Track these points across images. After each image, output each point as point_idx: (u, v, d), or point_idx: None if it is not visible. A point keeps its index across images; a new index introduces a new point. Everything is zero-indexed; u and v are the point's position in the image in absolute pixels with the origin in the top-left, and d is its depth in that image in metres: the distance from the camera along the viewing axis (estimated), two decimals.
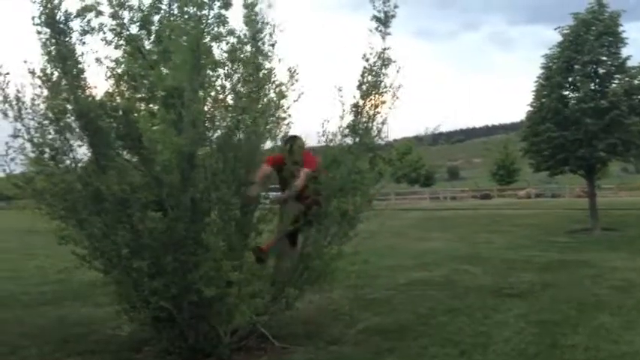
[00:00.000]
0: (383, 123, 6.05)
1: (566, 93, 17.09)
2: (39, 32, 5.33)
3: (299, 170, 5.92)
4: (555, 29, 17.45)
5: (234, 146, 5.59)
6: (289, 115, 6.07)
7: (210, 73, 5.56)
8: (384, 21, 5.89)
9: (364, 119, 6.00)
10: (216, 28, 5.67)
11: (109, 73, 5.59)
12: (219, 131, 5.64)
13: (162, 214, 5.18)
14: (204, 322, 5.44)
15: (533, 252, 12.77)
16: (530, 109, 17.73)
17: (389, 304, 7.70)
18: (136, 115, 5.48)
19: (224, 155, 5.45)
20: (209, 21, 5.63)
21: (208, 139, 5.50)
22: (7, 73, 5.35)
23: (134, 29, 5.63)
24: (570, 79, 16.91)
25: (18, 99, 5.36)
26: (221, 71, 5.70)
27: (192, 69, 5.05)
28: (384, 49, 5.92)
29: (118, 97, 5.58)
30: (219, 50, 5.75)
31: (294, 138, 6.15)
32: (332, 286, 6.65)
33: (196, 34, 5.14)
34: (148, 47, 5.70)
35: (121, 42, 5.55)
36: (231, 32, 5.75)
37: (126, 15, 5.55)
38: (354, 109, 5.97)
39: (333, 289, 7.23)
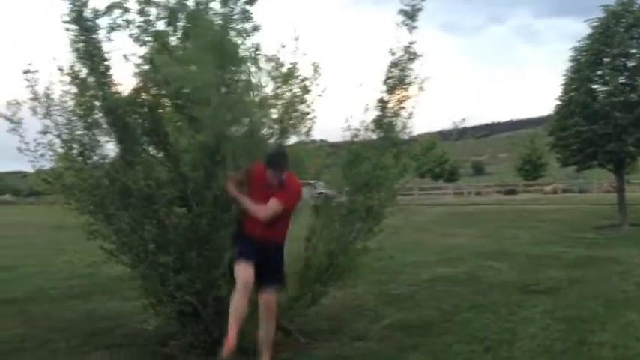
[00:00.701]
0: (408, 118, 6.02)
1: (595, 86, 16.83)
2: (67, 30, 5.40)
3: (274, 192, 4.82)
4: (585, 21, 17.22)
5: (259, 142, 5.60)
6: (313, 110, 6.07)
7: (234, 68, 5.58)
8: (410, 14, 5.84)
9: (389, 114, 5.97)
10: (240, 24, 5.69)
11: (135, 70, 5.63)
12: (243, 127, 5.66)
13: (187, 210, 5.24)
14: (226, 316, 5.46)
15: (559, 248, 12.64)
16: (559, 102, 17.51)
17: (413, 300, 7.69)
18: (161, 111, 5.53)
19: (248, 151, 5.47)
20: (233, 17, 5.65)
21: (233, 136, 5.53)
22: (37, 71, 5.44)
23: (161, 26, 5.65)
24: (599, 73, 16.66)
25: (47, 96, 5.45)
26: (245, 67, 5.72)
27: (214, 67, 5.08)
28: (411, 43, 5.88)
29: (144, 94, 5.62)
30: (243, 46, 5.76)
31: (283, 158, 4.97)
32: (356, 281, 6.65)
33: (221, 31, 5.16)
34: (174, 44, 5.72)
35: (148, 38, 5.57)
36: (255, 28, 5.75)
37: (153, 11, 5.58)
38: (379, 103, 5.94)
39: (358, 284, 7.23)
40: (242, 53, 5.68)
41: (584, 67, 16.62)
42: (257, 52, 5.75)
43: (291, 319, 5.92)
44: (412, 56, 5.90)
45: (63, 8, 5.38)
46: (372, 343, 5.81)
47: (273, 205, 4.74)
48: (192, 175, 5.16)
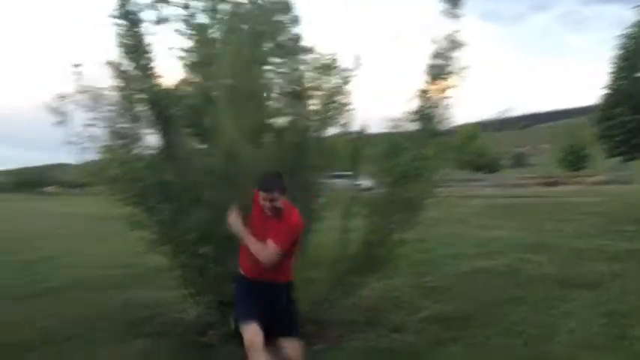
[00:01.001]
0: (448, 108, 5.95)
1: None
2: (114, 24, 5.51)
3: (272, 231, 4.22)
4: (634, 8, 16.73)
5: (298, 133, 5.64)
6: (352, 101, 6.05)
7: (275, 60, 5.63)
8: (454, 2, 5.76)
9: (429, 104, 5.91)
10: (278, 16, 5.72)
11: (179, 63, 5.71)
12: (282, 119, 5.71)
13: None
14: None
15: (601, 241, 12.36)
16: (606, 91, 17.08)
17: (451, 293, 7.65)
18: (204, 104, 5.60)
19: (285, 143, 5.51)
20: (274, 8, 5.69)
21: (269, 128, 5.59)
22: (81, 65, 5.55)
23: (203, 18, 5.71)
24: None
25: (92, 89, 5.55)
26: (282, 60, 5.75)
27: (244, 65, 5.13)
28: (454, 32, 5.80)
29: (188, 87, 5.69)
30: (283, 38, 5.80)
31: (276, 180, 4.31)
32: (394, 273, 6.65)
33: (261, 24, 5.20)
34: (216, 36, 5.77)
35: (191, 31, 5.64)
36: (294, 20, 5.78)
37: (196, 4, 5.64)
38: (419, 93, 5.89)
39: (395, 276, 7.23)
40: (282, 45, 5.72)
41: (632, 55, 16.17)
42: (297, 44, 5.77)
43: (326, 310, 5.95)
44: (454, 45, 5.81)
45: (110, 3, 5.51)
46: (409, 336, 5.82)
47: (272, 250, 4.16)
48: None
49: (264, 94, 5.77)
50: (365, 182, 6.49)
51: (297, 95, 5.79)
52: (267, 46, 5.75)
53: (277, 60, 5.73)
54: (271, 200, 4.21)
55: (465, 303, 7.04)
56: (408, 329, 6.01)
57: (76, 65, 5.48)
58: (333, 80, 5.91)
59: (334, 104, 5.93)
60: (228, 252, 5.29)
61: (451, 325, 6.10)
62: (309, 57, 5.86)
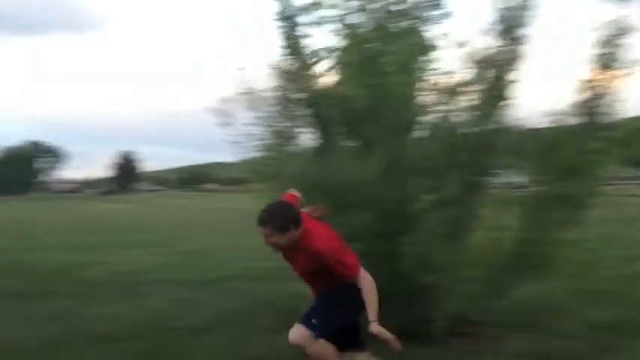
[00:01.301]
0: (616, 100, 5.55)
1: None
2: (276, 27, 5.76)
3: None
4: None
5: (450, 129, 5.55)
6: (509, 96, 5.80)
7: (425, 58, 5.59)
8: None
9: (595, 96, 5.56)
10: (430, 12, 5.68)
11: (336, 63, 5.82)
12: (434, 115, 5.65)
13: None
14: (414, 305, 5.45)
15: None
16: None
17: (616, 297, 7.18)
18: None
19: (439, 139, 5.44)
20: (424, 5, 5.66)
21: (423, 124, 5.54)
22: (244, 68, 5.82)
23: (356, 18, 5.78)
24: None
25: (254, 89, 5.80)
26: (436, 54, 5.69)
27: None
28: (623, 17, 5.39)
29: (344, 86, 5.79)
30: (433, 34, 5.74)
31: (266, 213, 3.82)
32: (552, 274, 6.32)
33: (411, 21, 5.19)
34: (368, 36, 5.83)
35: (345, 31, 5.74)
36: (446, 15, 5.70)
37: (349, 5, 5.74)
38: (583, 85, 5.56)
39: (554, 277, 6.87)
40: (432, 41, 5.67)
41: None
42: (448, 39, 5.68)
43: (480, 310, 5.79)
44: (624, 32, 5.41)
45: (273, 6, 5.75)
46: (570, 342, 5.50)
47: (367, 281, 3.91)
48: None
49: (416, 91, 5.74)
50: (520, 179, 6.26)
51: (450, 91, 5.69)
52: (419, 41, 5.71)
53: (429, 56, 5.67)
54: (266, 236, 3.76)
55: (632, 309, 6.58)
56: (568, 335, 5.69)
57: (240, 68, 5.77)
58: (489, 74, 5.73)
59: (490, 99, 5.75)
60: (371, 251, 5.32)
61: (617, 332, 5.70)
62: (462, 51, 5.73)
